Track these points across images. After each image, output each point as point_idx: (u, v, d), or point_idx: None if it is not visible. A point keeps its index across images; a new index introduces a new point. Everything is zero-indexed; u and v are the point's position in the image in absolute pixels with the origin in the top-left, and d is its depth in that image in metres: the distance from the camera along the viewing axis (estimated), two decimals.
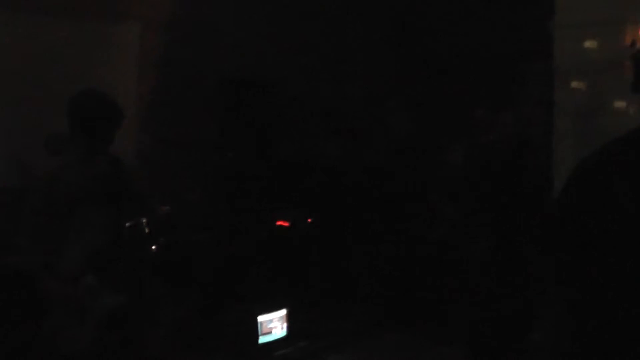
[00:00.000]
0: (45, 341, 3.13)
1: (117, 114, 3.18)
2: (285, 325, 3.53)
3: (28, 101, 5.37)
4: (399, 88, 5.08)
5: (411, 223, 4.51)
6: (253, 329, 3.39)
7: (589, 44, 4.04)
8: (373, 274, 4.41)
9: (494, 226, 3.15)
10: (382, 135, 5.13)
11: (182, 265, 3.55)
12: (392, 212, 4.62)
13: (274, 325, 3.48)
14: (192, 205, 4.32)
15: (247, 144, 4.73)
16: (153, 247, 3.64)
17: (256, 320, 3.41)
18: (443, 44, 4.91)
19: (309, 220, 4.58)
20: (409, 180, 4.67)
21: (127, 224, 3.45)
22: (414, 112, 5.03)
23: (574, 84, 4.14)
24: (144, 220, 3.53)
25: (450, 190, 3.95)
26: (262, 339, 3.41)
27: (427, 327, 3.67)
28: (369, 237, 4.56)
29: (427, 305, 3.78)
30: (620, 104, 3.86)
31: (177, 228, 3.72)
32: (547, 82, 4.09)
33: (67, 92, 5.13)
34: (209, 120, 4.94)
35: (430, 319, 3.69)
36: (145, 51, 5.49)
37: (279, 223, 4.44)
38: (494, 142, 3.41)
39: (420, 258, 4.25)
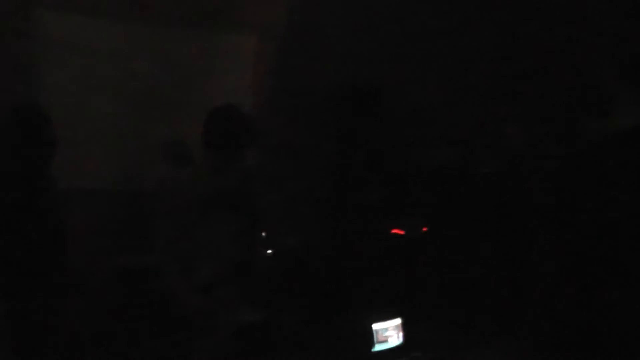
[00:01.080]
0: (173, 349, 3.21)
1: (252, 129, 3.31)
2: (400, 334, 3.49)
3: (147, 110, 5.57)
4: (513, 97, 4.98)
5: (525, 231, 4.40)
6: (368, 337, 3.37)
7: None
8: (487, 283, 4.33)
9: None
10: (497, 144, 5.03)
11: (298, 274, 3.59)
12: (506, 220, 4.53)
13: (389, 333, 3.44)
14: (306, 214, 4.36)
15: (362, 152, 4.73)
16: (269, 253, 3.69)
17: (371, 328, 3.38)
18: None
19: (424, 229, 4.54)
20: (523, 188, 4.57)
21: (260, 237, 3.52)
22: (529, 122, 4.92)
23: None
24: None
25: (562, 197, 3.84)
26: (377, 347, 3.38)
27: (547, 338, 3.54)
28: (484, 246, 4.48)
29: (548, 314, 3.66)
30: None
31: (292, 237, 3.76)
32: None
33: (183, 101, 5.29)
34: (324, 129, 4.97)
35: (552, 330, 3.56)
36: (261, 61, 5.60)
37: (394, 231, 4.42)
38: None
39: (536, 266, 4.15)
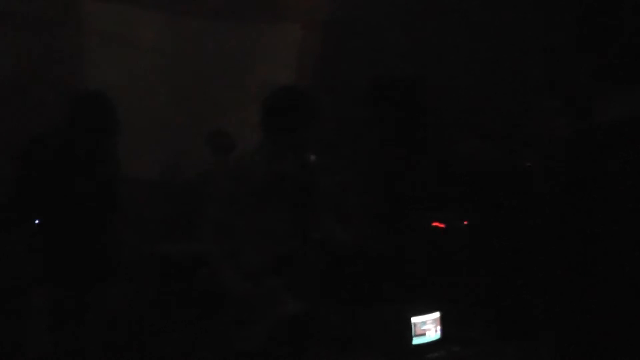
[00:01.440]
0: (217, 335, 3.25)
1: (312, 111, 3.19)
2: (439, 328, 3.50)
3: (193, 99, 5.63)
4: (556, 88, 4.92)
5: (569, 223, 4.34)
6: (407, 330, 3.38)
7: None
8: (530, 278, 4.30)
9: None
10: (539, 136, 4.98)
11: (342, 265, 3.59)
12: (548, 213, 4.48)
13: (427, 327, 3.45)
14: (350, 206, 4.37)
15: (404, 144, 4.73)
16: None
17: (410, 321, 3.40)
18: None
19: (465, 222, 4.52)
20: (566, 181, 4.51)
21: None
22: (572, 113, 4.85)
23: None
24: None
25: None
26: (415, 341, 3.39)
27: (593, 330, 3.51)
28: (526, 240, 4.45)
29: (593, 306, 3.62)
30: None
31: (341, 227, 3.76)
32: None
33: (228, 90, 5.33)
34: (366, 120, 4.97)
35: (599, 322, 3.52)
36: (305, 51, 5.62)
37: (434, 224, 4.42)
38: None
39: (583, 258, 4.09)
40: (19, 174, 3.63)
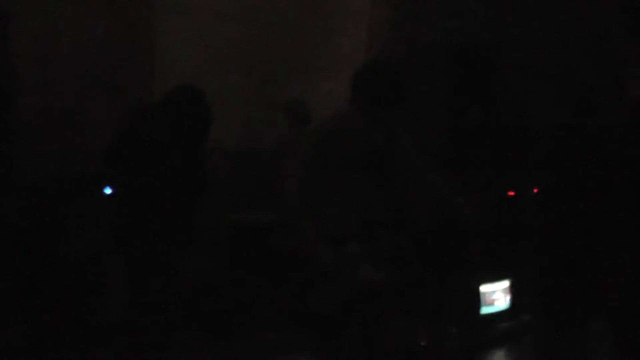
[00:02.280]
0: (294, 295, 3.34)
1: (400, 85, 3.23)
2: (508, 297, 3.49)
3: (263, 67, 5.70)
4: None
5: None
6: (476, 299, 3.39)
7: None
8: (600, 246, 4.26)
9: None
10: (614, 102, 4.91)
11: (414, 236, 3.61)
12: (621, 178, 4.42)
13: (496, 296, 3.44)
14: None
15: (476, 111, 4.74)
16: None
17: (479, 290, 3.40)
18: None
19: (535, 190, 4.50)
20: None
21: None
22: None
23: None
24: None
25: None
26: (484, 310, 3.40)
27: None
28: (598, 208, 4.41)
29: None
30: None
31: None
32: None
33: (299, 61, 5.38)
34: (438, 87, 4.98)
35: None
36: (375, 20, 5.63)
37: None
38: None
39: None
40: (121, 138, 3.78)
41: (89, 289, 4.00)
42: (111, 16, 5.30)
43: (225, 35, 5.63)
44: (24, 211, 4.58)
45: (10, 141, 5.01)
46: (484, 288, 3.42)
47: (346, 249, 3.26)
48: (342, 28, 5.73)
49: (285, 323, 3.46)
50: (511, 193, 4.39)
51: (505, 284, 3.52)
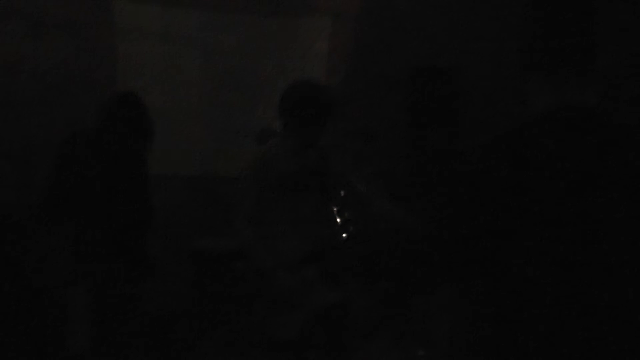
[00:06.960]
0: (253, 324, 3.29)
1: (329, 104, 3.21)
2: None
3: (231, 94, 5.69)
4: None
5: None
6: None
7: None
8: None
9: None
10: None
11: (372, 257, 3.58)
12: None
13: None
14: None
15: (437, 133, 4.72)
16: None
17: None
18: None
19: None
20: None
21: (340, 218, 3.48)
22: None
23: None
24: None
25: None
26: None
27: None
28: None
29: None
30: None
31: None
32: None
33: (264, 84, 5.35)
34: (399, 110, 4.98)
35: None
36: (336, 43, 5.65)
37: None
38: None
39: None
40: (57, 174, 3.67)
41: (51, 321, 3.91)
42: (72, 41, 5.25)
43: (189, 62, 5.62)
44: None
45: None
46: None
47: (303, 274, 3.24)
48: (303, 51, 5.75)
49: (249, 350, 3.42)
50: None
51: None
